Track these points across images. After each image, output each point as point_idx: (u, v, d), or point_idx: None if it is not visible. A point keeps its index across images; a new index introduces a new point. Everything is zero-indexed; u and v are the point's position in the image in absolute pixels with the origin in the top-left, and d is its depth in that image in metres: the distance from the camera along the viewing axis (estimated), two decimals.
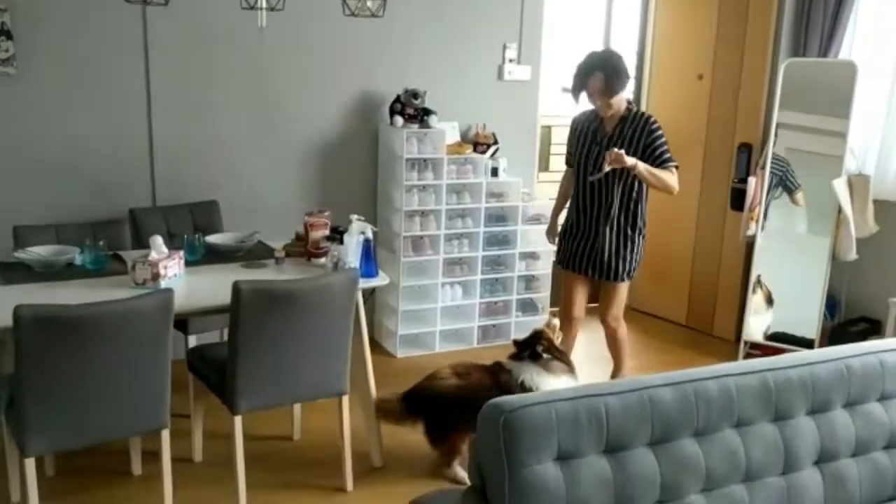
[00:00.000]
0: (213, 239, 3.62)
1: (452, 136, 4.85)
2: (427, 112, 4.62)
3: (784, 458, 2.13)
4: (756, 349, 4.92)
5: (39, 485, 2.60)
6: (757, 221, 4.75)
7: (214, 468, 3.32)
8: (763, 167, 4.74)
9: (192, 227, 4.07)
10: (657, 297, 5.75)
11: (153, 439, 2.80)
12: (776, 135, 4.63)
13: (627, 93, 5.86)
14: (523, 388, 3.19)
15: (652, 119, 3.74)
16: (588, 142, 3.81)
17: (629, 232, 3.82)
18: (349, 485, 3.22)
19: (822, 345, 4.60)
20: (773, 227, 4.70)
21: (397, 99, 4.61)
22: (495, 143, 4.89)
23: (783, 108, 4.59)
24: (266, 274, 3.29)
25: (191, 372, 3.28)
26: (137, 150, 4.22)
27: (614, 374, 4.15)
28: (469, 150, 4.76)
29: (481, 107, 5.03)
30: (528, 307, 5.11)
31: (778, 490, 2.11)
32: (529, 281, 5.10)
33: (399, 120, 4.57)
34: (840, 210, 4.48)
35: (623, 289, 3.96)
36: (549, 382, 3.26)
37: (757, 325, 4.83)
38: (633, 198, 3.77)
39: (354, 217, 3.37)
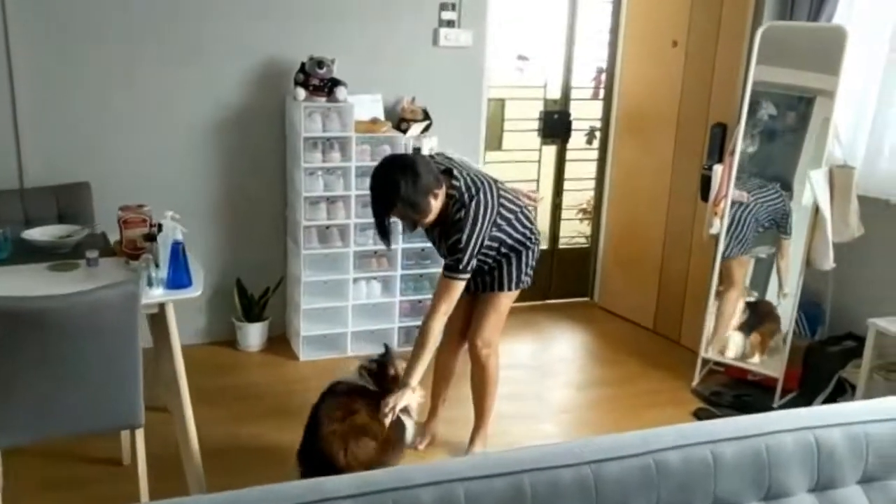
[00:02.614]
0: (31, 234, 3.13)
1: (373, 111, 4.24)
2: (335, 83, 4.02)
3: None
4: (720, 366, 4.23)
5: None
6: (722, 217, 4.02)
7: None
8: (732, 153, 3.99)
9: (57, 215, 3.63)
10: (624, 295, 5.05)
11: None
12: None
13: (600, 62, 5.18)
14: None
15: (465, 210, 2.86)
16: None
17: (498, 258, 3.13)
18: None
19: (793, 363, 3.88)
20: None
21: (302, 68, 4.02)
22: (426, 118, 4.27)
23: (758, 79, 3.84)
24: (70, 279, 2.80)
25: None
26: None
27: (474, 433, 3.34)
28: (386, 127, 4.14)
29: (413, 77, 4.40)
30: None
31: None
32: None
33: (301, 92, 3.97)
34: (818, 209, 3.71)
35: (497, 302, 3.16)
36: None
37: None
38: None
39: (169, 214, 2.83)
